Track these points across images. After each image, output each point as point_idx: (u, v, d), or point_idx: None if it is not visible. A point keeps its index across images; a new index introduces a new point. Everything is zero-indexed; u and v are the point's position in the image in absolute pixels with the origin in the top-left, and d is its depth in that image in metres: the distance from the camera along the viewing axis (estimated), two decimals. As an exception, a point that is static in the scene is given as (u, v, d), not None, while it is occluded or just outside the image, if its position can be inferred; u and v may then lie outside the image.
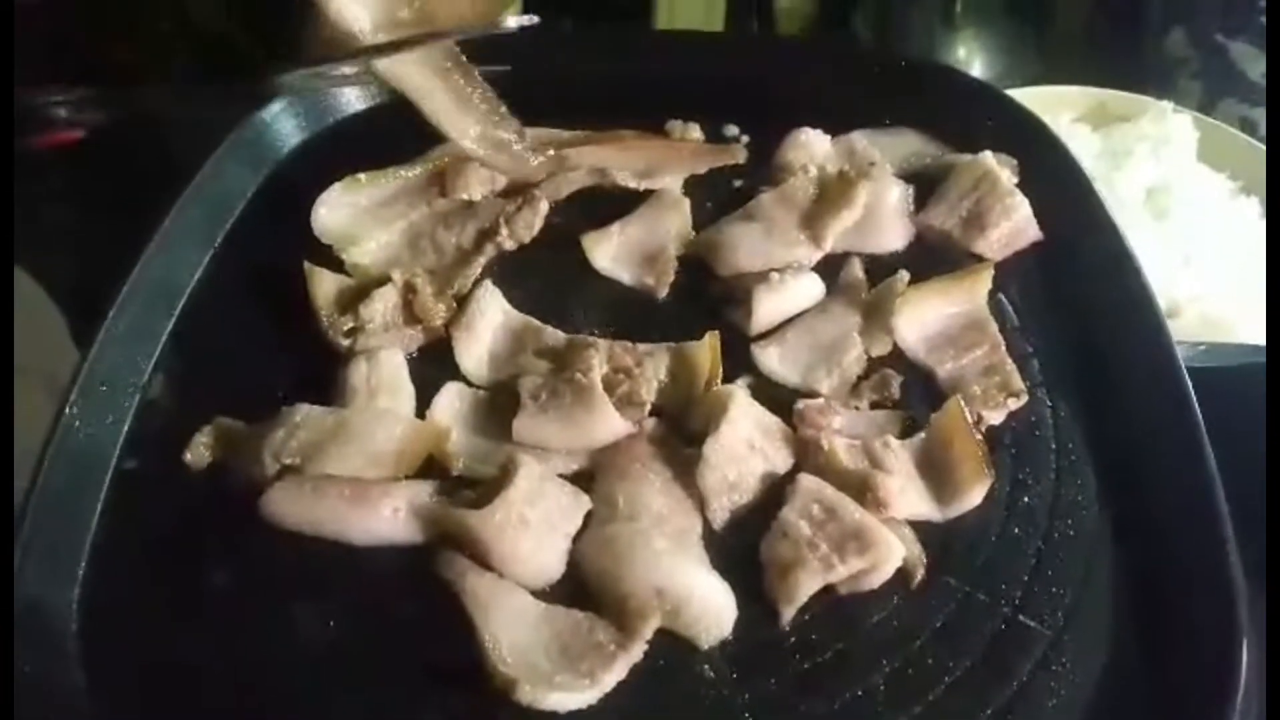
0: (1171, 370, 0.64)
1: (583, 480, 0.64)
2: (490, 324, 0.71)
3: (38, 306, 0.98)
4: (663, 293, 0.75)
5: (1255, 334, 0.95)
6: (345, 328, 0.69)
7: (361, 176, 0.76)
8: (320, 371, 0.68)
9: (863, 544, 0.57)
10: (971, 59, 1.34)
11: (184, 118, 0.97)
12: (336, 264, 0.73)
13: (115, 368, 0.67)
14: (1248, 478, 0.60)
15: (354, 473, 0.61)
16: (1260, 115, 1.22)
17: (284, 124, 0.82)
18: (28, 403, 0.87)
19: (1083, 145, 1.09)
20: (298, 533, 0.60)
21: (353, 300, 0.70)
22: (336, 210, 0.75)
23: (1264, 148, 1.12)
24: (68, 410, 0.63)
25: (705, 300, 0.74)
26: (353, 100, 0.85)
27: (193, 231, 0.75)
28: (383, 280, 0.70)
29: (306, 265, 0.71)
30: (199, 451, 0.64)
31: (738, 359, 0.69)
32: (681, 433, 0.66)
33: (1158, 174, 1.09)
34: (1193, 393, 0.62)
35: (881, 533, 0.57)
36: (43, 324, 0.98)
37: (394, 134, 0.82)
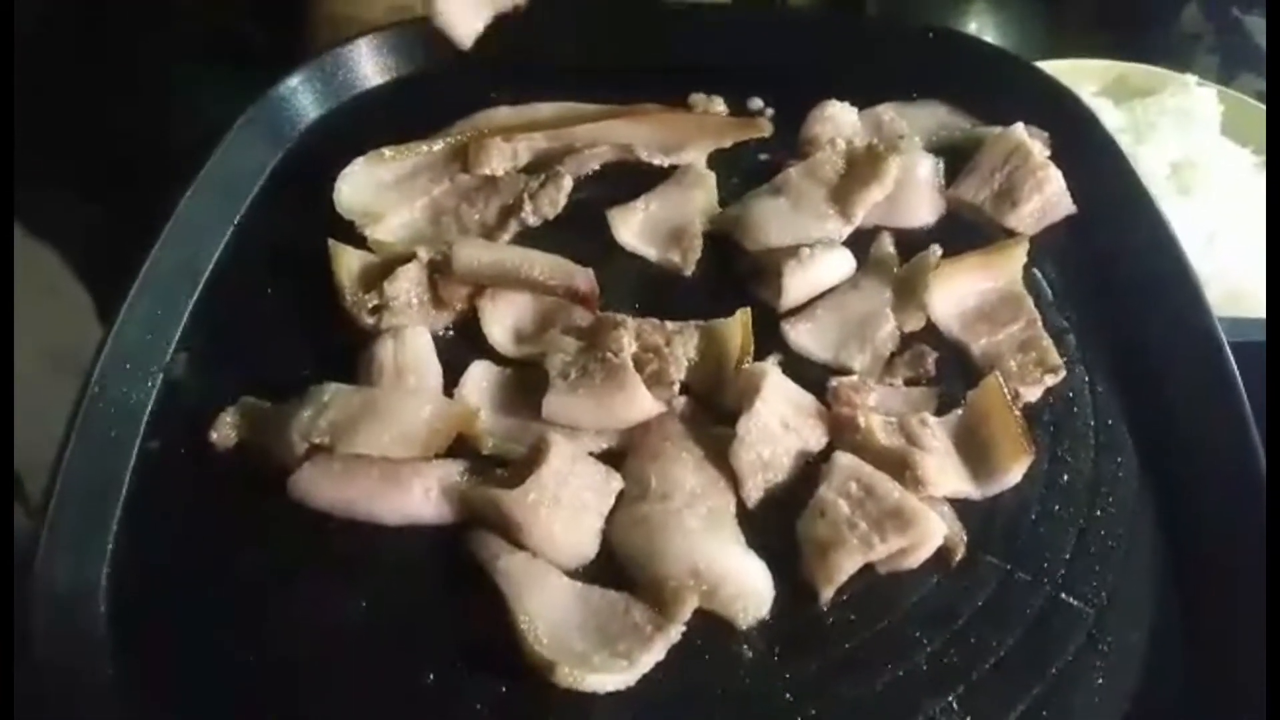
0: (1212, 343, 0.63)
1: (612, 459, 0.63)
2: (517, 296, 0.70)
3: (64, 286, 0.97)
4: (689, 269, 0.74)
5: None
6: (370, 305, 0.68)
7: (386, 151, 0.75)
8: (345, 350, 0.67)
9: (903, 522, 0.56)
10: (982, 35, 1.32)
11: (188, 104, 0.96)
12: (359, 240, 0.72)
13: (138, 346, 0.66)
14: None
15: (383, 452, 0.60)
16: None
17: (301, 98, 0.80)
18: (57, 384, 0.86)
19: (1105, 120, 1.07)
20: (326, 512, 0.59)
21: (377, 277, 0.69)
22: (358, 185, 0.74)
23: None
24: (91, 388, 0.62)
25: (732, 277, 0.73)
26: (371, 74, 0.83)
27: (212, 208, 0.74)
28: (407, 257, 0.69)
29: (330, 242, 0.70)
30: (224, 431, 0.63)
31: (767, 336, 0.68)
32: (712, 411, 0.65)
33: (1182, 148, 1.07)
34: (1234, 365, 0.61)
35: (922, 511, 0.56)
36: (70, 304, 0.97)
37: (413, 109, 0.82)
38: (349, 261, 0.70)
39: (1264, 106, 1.13)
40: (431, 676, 0.54)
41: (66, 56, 1.03)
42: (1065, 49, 1.20)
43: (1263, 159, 1.09)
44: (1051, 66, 1.08)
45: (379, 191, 0.75)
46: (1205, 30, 1.29)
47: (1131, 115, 1.11)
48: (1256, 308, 0.95)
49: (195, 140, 0.76)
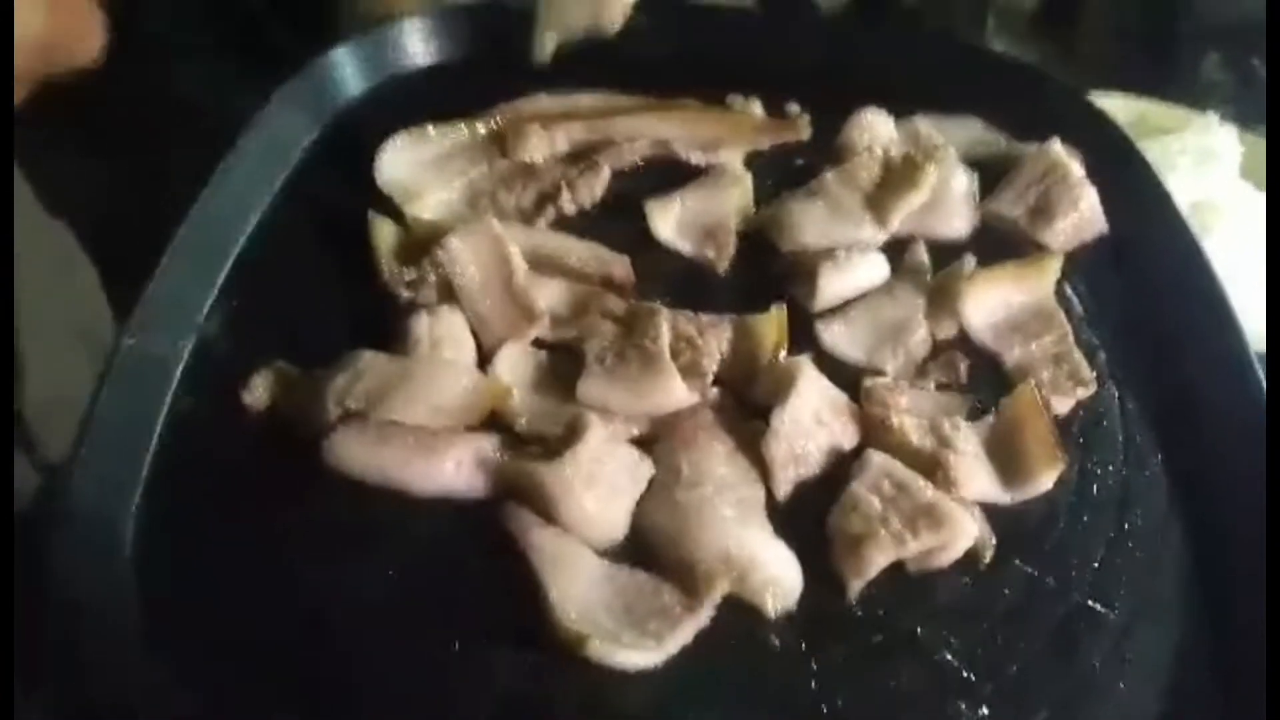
0: (1243, 366, 0.64)
1: (641, 445, 0.63)
2: (551, 281, 0.70)
3: (71, 259, 0.97)
4: (723, 266, 0.74)
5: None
6: (407, 279, 0.68)
7: (430, 128, 0.75)
8: (378, 322, 0.67)
9: (935, 521, 0.56)
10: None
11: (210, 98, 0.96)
12: (396, 216, 0.72)
13: (173, 304, 0.66)
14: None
15: (418, 421, 0.59)
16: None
17: (345, 71, 0.81)
18: (63, 358, 0.86)
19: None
20: (357, 480, 0.59)
21: (415, 252, 0.69)
22: (399, 162, 0.75)
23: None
24: (125, 340, 0.62)
25: (765, 276, 0.74)
26: (414, 55, 0.84)
27: (251, 175, 0.74)
28: (446, 233, 0.69)
29: (370, 214, 0.70)
30: (257, 393, 0.63)
31: (798, 335, 0.68)
32: (743, 405, 0.65)
33: (1202, 188, 1.08)
34: (1264, 388, 0.61)
35: (955, 511, 0.57)
36: (79, 278, 0.96)
37: (454, 92, 0.82)
38: (387, 235, 0.70)
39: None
40: (458, 645, 0.54)
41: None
42: (1084, 88, 1.22)
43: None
44: (1074, 100, 1.10)
45: (419, 169, 0.76)
46: (1225, 79, 1.30)
47: (1151, 153, 1.12)
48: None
49: (216, 124, 0.76)
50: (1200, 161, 1.10)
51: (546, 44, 0.82)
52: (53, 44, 0.44)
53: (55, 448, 0.84)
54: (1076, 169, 0.75)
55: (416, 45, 0.84)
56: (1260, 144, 1.14)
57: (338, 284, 0.70)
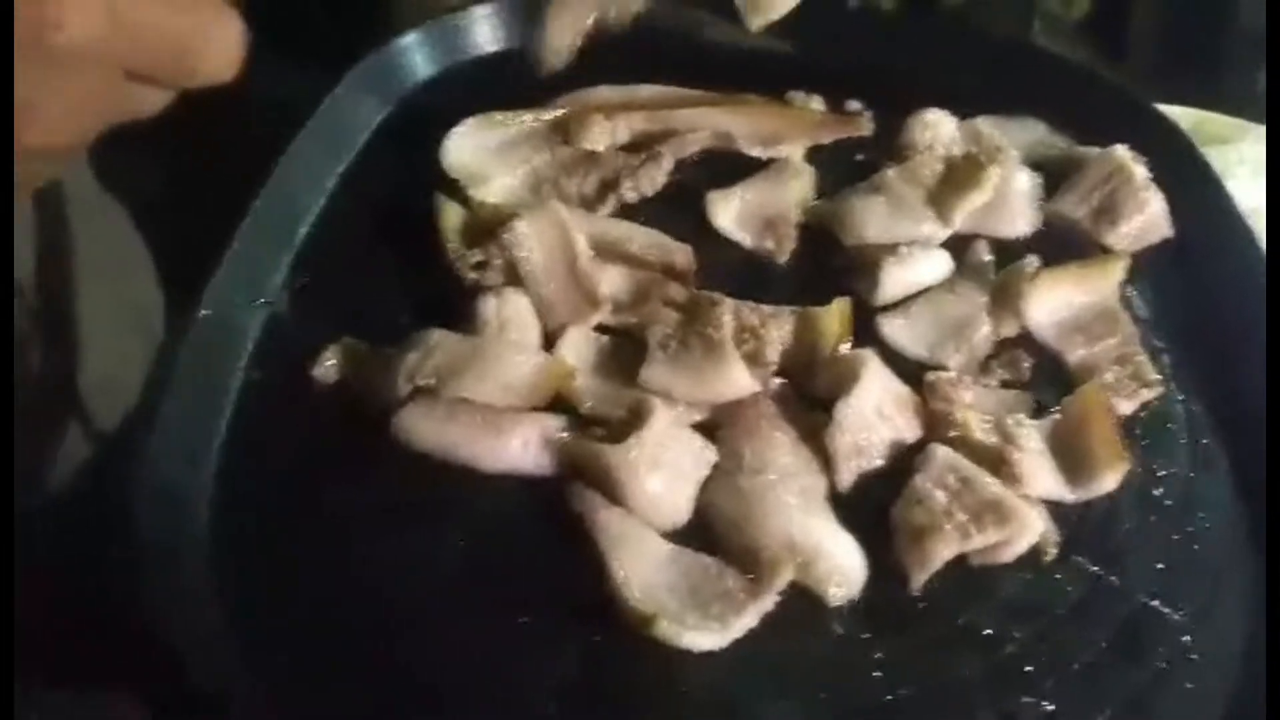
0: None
1: (705, 433, 0.63)
2: (614, 267, 0.70)
3: (127, 243, 0.98)
4: (783, 258, 0.74)
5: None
6: (472, 261, 0.68)
7: (497, 114, 0.76)
8: (443, 302, 0.68)
9: (1000, 516, 0.56)
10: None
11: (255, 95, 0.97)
12: (462, 199, 0.73)
13: (245, 277, 0.67)
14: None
15: (487, 399, 0.60)
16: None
17: (414, 57, 0.82)
18: (118, 339, 0.87)
19: (1183, 163, 1.08)
20: (426, 454, 0.60)
21: (480, 235, 0.70)
22: (465, 146, 0.75)
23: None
24: (201, 311, 0.63)
25: (825, 269, 0.74)
26: (482, 40, 0.85)
27: (320, 154, 0.75)
28: (512, 217, 0.70)
29: (437, 196, 0.71)
30: (327, 367, 0.64)
31: (859, 330, 0.68)
32: (804, 397, 0.65)
33: (1259, 197, 1.08)
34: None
35: (1020, 506, 0.57)
36: (133, 261, 0.98)
37: (519, 80, 0.83)
38: (453, 217, 0.71)
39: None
40: (524, 620, 0.54)
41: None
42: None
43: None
44: (1129, 109, 1.09)
45: (484, 154, 0.76)
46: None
47: (1210, 162, 1.12)
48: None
49: (276, 115, 0.77)
50: (1258, 171, 1.09)
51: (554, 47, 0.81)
52: (189, 49, 0.44)
53: (109, 424, 0.85)
54: (1142, 172, 0.75)
55: (485, 33, 0.85)
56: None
57: (404, 264, 0.71)
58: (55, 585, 0.66)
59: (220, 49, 0.46)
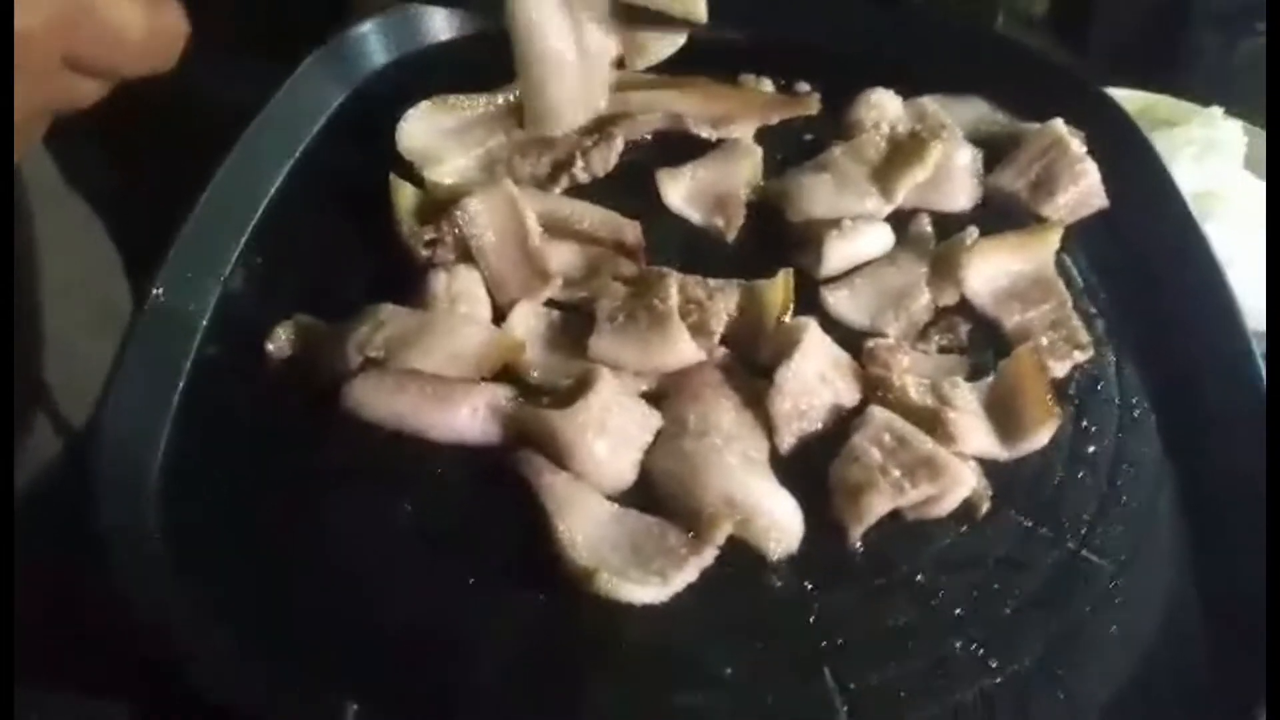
0: (1236, 333, 0.66)
1: (651, 401, 0.65)
2: (565, 244, 0.72)
3: (91, 231, 0.99)
4: (731, 234, 0.76)
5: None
6: (426, 239, 0.70)
7: (451, 98, 0.77)
8: (396, 280, 0.69)
9: (933, 471, 0.58)
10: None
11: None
12: (417, 180, 0.74)
13: (199, 259, 0.68)
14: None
15: (436, 369, 0.62)
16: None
17: (372, 44, 0.83)
18: (85, 331, 0.88)
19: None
20: (376, 424, 0.61)
21: (434, 213, 0.71)
22: (420, 129, 0.77)
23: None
24: (155, 290, 0.64)
25: (773, 244, 0.76)
26: (441, 27, 0.86)
27: (277, 137, 0.76)
28: (464, 196, 0.71)
29: (391, 176, 0.72)
30: (280, 343, 0.65)
31: (804, 302, 0.70)
32: (749, 365, 0.67)
33: (1204, 178, 1.10)
34: (1256, 349, 0.63)
35: (952, 461, 0.59)
36: (97, 249, 0.98)
37: (479, 64, 0.83)
38: (408, 197, 0.72)
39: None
40: (471, 581, 0.56)
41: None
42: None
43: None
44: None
45: (439, 136, 0.78)
46: (1236, 75, 1.31)
47: (1156, 144, 1.14)
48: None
49: (235, 107, 0.78)
50: (1204, 152, 1.12)
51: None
52: (150, 45, 0.45)
53: (78, 418, 0.86)
54: (1078, 145, 0.77)
55: (440, 21, 0.86)
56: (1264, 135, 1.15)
57: (359, 243, 0.72)
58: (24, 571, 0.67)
59: (159, 39, 0.47)
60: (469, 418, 0.61)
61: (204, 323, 0.67)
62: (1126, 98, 1.17)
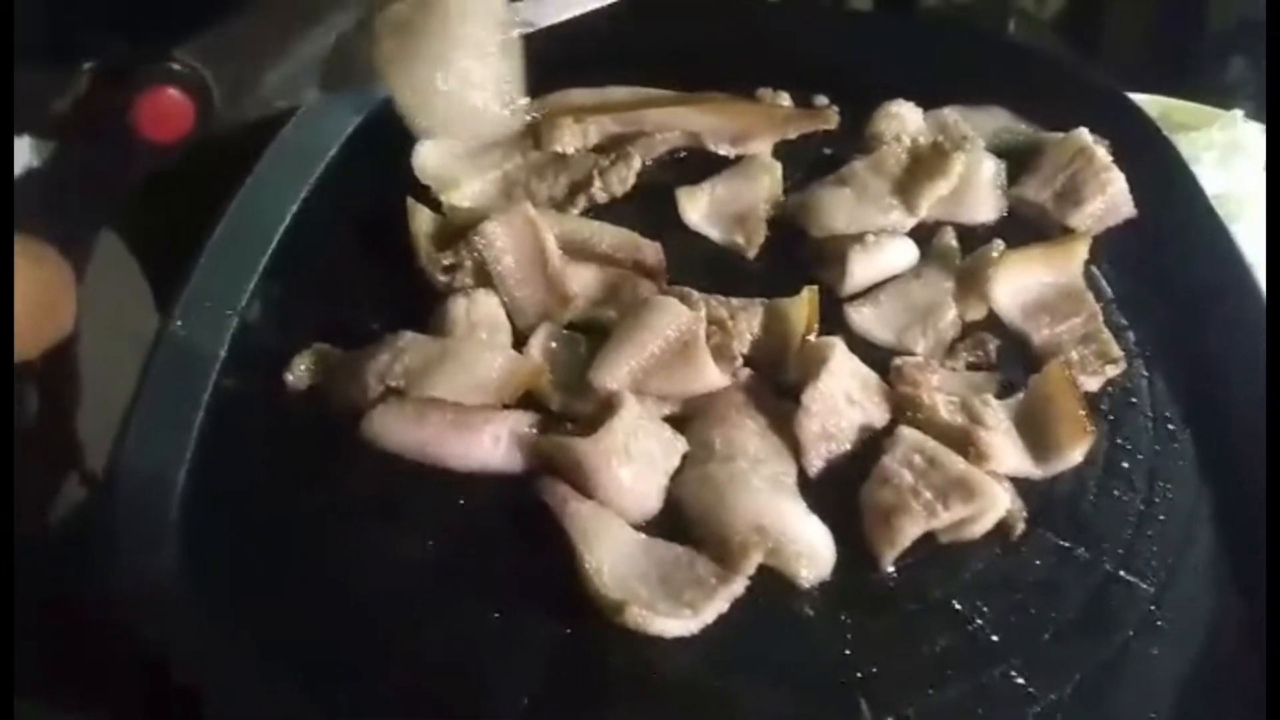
0: (1268, 336, 0.64)
1: (676, 425, 0.64)
2: (584, 266, 0.71)
3: (125, 269, 0.98)
4: (752, 252, 0.75)
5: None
6: (444, 264, 0.69)
7: (465, 121, 0.76)
8: (415, 307, 0.69)
9: (967, 492, 0.57)
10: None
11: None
12: (434, 205, 0.74)
13: (217, 289, 0.68)
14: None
15: (457, 398, 0.61)
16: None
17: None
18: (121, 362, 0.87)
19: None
20: (397, 454, 0.60)
21: (451, 238, 0.70)
22: (436, 153, 0.76)
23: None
24: (172, 323, 0.64)
25: (794, 261, 0.75)
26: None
27: (291, 165, 0.75)
28: (482, 219, 0.70)
29: (408, 201, 0.71)
30: (299, 373, 0.64)
31: (828, 320, 0.69)
32: (774, 386, 0.66)
33: (1227, 181, 1.08)
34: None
35: (986, 481, 0.57)
36: (131, 287, 0.98)
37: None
38: (425, 221, 0.72)
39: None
40: (496, 615, 0.55)
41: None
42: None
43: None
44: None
45: (455, 160, 0.77)
46: (1248, 79, 1.30)
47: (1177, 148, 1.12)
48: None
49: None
50: (1225, 156, 1.10)
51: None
52: (37, 322, 0.45)
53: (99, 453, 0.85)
54: (1103, 154, 0.76)
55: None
56: (1287, 140, 1.14)
57: (377, 271, 0.72)
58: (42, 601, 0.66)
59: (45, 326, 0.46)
60: (491, 446, 0.60)
61: (222, 354, 0.66)
62: (1143, 102, 1.16)
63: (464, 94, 0.73)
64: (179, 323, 0.64)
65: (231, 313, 0.68)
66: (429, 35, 0.71)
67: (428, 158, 0.76)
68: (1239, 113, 1.13)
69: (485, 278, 0.69)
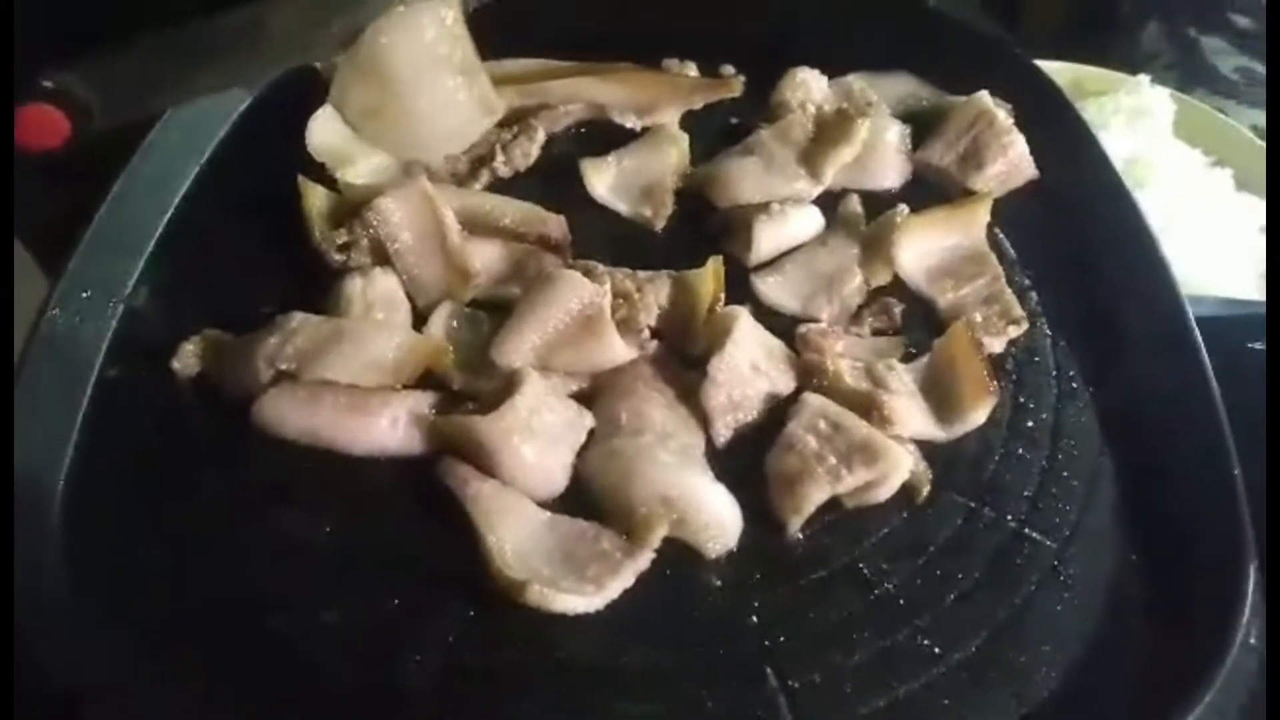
0: (1170, 304, 0.65)
1: (582, 401, 0.62)
2: (487, 242, 0.69)
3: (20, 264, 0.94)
4: (660, 224, 0.74)
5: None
6: (338, 243, 0.67)
7: (359, 94, 0.74)
8: (310, 287, 0.67)
9: (870, 455, 0.57)
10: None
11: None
12: (329, 182, 0.71)
13: (98, 275, 0.65)
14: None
15: (351, 379, 0.59)
16: (1231, 106, 1.24)
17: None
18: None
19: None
20: (291, 441, 0.58)
21: (346, 216, 0.68)
22: (330, 129, 0.73)
23: (1237, 125, 1.15)
24: (50, 312, 0.61)
25: (702, 232, 0.74)
26: (346, 24, 0.83)
27: (180, 144, 0.72)
28: (377, 195, 0.68)
29: (300, 179, 0.69)
30: (187, 360, 0.62)
31: (736, 289, 0.68)
32: (681, 358, 0.65)
33: (1134, 145, 1.10)
34: (1190, 314, 0.62)
35: (889, 445, 0.57)
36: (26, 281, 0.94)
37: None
38: (318, 199, 0.69)
39: (1214, 111, 1.17)
40: (396, 601, 0.53)
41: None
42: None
43: (1213, 158, 1.12)
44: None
45: (350, 136, 0.74)
46: (1163, 49, 1.32)
47: (1086, 113, 1.14)
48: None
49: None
50: (1132, 120, 1.12)
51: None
52: None
53: None
54: (1004, 117, 0.76)
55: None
56: (1193, 105, 1.16)
57: (270, 252, 0.69)
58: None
59: None
60: (389, 428, 0.58)
61: (106, 343, 0.63)
62: (1056, 69, 1.17)
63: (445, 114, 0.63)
64: (55, 311, 0.61)
65: (115, 301, 0.65)
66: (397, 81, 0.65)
67: (322, 134, 0.73)
68: (1145, 78, 1.15)
69: (383, 256, 0.67)
